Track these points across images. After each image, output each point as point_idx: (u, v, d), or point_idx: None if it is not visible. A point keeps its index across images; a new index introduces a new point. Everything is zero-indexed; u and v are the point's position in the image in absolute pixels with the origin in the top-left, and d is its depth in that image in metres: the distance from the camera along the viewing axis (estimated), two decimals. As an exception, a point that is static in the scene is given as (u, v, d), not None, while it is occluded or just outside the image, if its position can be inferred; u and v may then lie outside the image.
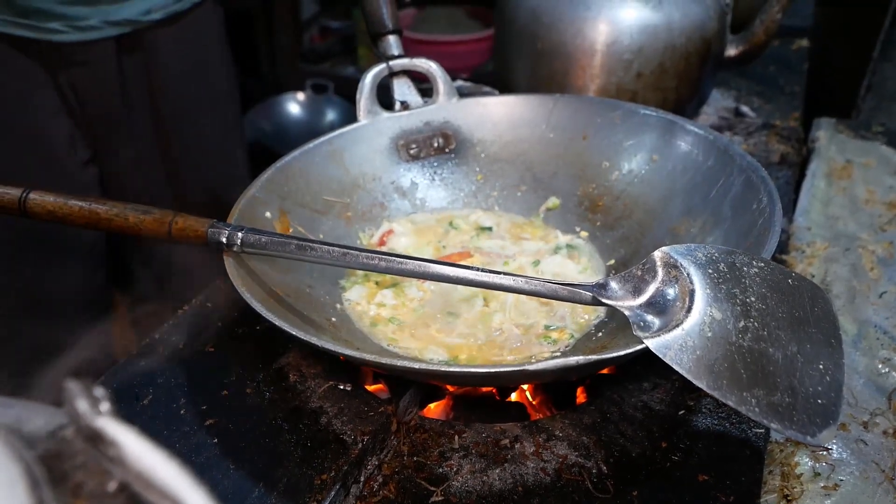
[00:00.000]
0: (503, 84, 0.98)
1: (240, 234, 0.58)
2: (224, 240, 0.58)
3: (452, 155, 0.79)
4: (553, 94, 0.76)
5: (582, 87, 0.87)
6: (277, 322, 0.51)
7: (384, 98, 0.79)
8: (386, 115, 0.78)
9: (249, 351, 0.64)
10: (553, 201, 0.76)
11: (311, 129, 2.35)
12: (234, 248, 0.58)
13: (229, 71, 1.10)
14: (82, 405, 0.25)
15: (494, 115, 0.79)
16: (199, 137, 1.06)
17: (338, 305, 0.65)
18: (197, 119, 1.04)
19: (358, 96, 0.77)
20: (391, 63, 0.78)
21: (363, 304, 0.65)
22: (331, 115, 2.44)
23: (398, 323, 0.63)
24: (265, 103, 2.48)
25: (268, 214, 0.67)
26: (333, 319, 0.63)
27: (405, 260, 0.55)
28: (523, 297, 0.63)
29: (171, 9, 0.92)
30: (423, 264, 0.55)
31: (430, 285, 0.66)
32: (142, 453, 0.24)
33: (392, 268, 0.56)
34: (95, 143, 0.99)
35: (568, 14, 0.87)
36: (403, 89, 0.79)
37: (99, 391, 0.26)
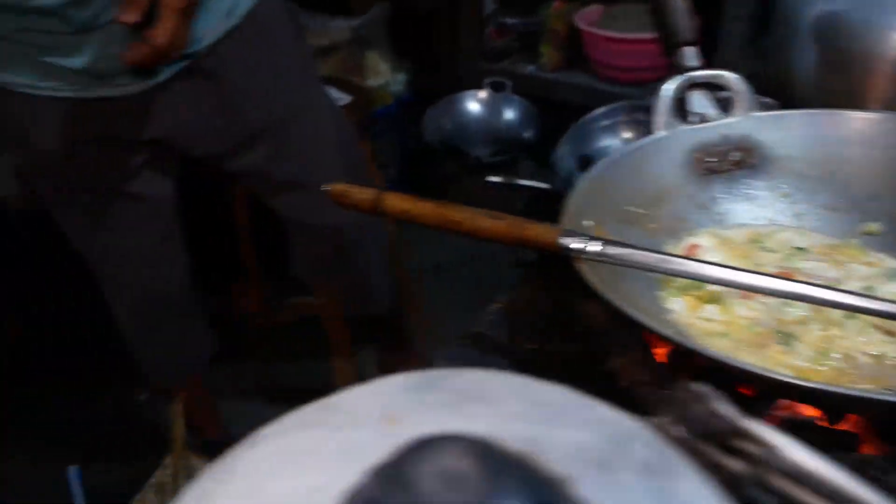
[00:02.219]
0: (778, 92, 0.94)
1: (591, 244, 0.61)
2: (575, 247, 0.61)
3: (753, 170, 0.78)
4: (886, 112, 0.72)
5: (889, 102, 0.82)
6: (650, 325, 0.53)
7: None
8: (684, 127, 0.78)
9: (573, 352, 0.67)
10: (873, 225, 0.72)
11: (489, 128, 2.38)
12: (583, 257, 0.61)
13: (307, 66, 1.10)
14: (722, 408, 0.28)
15: (802, 130, 0.76)
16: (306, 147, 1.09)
17: (663, 316, 0.67)
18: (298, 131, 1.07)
19: (657, 108, 0.78)
20: (690, 74, 0.78)
21: (687, 317, 0.66)
22: (509, 115, 2.47)
23: (732, 339, 0.63)
24: (446, 101, 2.54)
25: (585, 223, 0.69)
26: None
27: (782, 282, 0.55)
28: (867, 325, 0.61)
29: (221, 29, 0.90)
30: (777, 281, 0.55)
31: (756, 304, 0.65)
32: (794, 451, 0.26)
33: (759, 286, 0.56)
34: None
35: (874, 20, 0.82)
36: (702, 101, 0.79)
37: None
